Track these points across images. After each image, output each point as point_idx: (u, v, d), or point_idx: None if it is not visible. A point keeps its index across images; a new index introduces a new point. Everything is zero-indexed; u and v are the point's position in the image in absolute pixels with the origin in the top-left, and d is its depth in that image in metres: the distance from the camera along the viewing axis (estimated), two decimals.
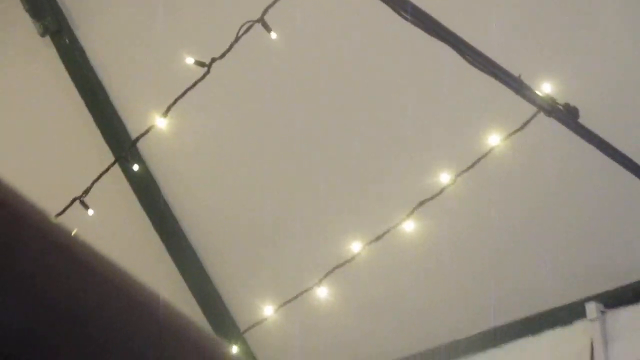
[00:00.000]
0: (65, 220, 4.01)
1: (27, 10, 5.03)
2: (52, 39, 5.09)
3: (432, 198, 4.17)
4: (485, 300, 4.75)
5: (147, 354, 0.58)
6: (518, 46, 4.06)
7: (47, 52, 5.12)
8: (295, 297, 4.62)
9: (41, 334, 0.54)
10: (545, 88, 3.63)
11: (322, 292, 4.58)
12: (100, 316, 0.57)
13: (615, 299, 4.52)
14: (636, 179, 3.77)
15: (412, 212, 4.27)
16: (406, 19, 3.31)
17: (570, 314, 4.63)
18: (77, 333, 0.56)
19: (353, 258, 4.47)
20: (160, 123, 4.12)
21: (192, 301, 5.26)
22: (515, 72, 3.50)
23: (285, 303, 4.66)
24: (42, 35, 5.07)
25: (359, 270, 4.50)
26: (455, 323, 4.91)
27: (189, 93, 3.83)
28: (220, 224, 5.34)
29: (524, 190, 4.48)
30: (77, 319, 0.56)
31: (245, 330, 5.00)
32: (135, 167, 4.97)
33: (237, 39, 3.60)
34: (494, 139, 4.01)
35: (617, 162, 3.72)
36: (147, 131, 4.19)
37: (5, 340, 0.55)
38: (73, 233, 0.59)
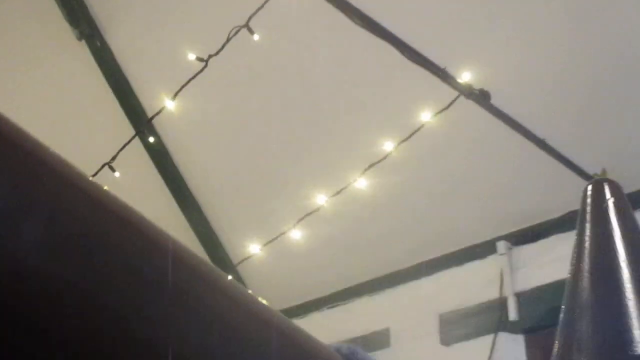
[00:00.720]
0: (97, 181, 3.95)
1: (67, 20, 4.98)
2: (87, 42, 5.07)
3: (379, 161, 4.15)
4: (420, 239, 4.85)
5: (158, 279, 0.56)
6: (445, 41, 4.01)
7: (82, 53, 5.11)
8: (276, 238, 4.60)
9: (62, 263, 0.50)
10: (465, 76, 3.59)
11: (296, 234, 4.56)
12: (113, 247, 0.54)
13: (519, 238, 4.63)
14: (534, 146, 3.75)
15: (363, 172, 4.24)
16: (358, 24, 3.29)
17: (485, 250, 4.72)
18: (95, 261, 0.53)
19: (319, 208, 4.47)
20: (170, 105, 4.07)
21: (196, 242, 5.26)
22: (442, 63, 3.49)
23: (268, 242, 4.65)
24: (79, 39, 5.06)
25: (324, 216, 4.51)
26: (398, 256, 4.99)
27: (192, 82, 3.81)
28: (217, 181, 5.34)
29: (449, 155, 4.53)
30: (92, 249, 0.53)
31: (238, 264, 5.00)
32: (151, 139, 5.01)
33: (228, 40, 3.58)
34: (426, 116, 3.98)
35: (520, 133, 3.73)
36: (159, 111, 4.17)
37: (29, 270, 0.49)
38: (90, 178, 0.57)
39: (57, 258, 0.49)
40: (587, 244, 1.21)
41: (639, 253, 1.18)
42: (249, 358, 0.56)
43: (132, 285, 0.54)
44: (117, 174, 4.26)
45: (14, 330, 0.48)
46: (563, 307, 1.16)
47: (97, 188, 0.58)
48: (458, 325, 4.69)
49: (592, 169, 3.34)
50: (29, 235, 0.47)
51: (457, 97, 3.67)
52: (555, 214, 4.42)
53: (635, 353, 1.04)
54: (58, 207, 0.51)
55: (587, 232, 1.21)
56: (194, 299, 0.58)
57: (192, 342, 0.57)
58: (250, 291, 0.67)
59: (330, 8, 3.23)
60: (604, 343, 1.07)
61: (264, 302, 0.64)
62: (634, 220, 1.23)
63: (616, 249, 1.18)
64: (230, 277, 0.67)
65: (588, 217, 1.21)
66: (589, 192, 1.25)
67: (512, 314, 4.50)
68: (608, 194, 1.23)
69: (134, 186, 4.68)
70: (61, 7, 4.97)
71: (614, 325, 1.09)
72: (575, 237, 1.22)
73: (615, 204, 1.22)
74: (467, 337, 4.62)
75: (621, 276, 1.14)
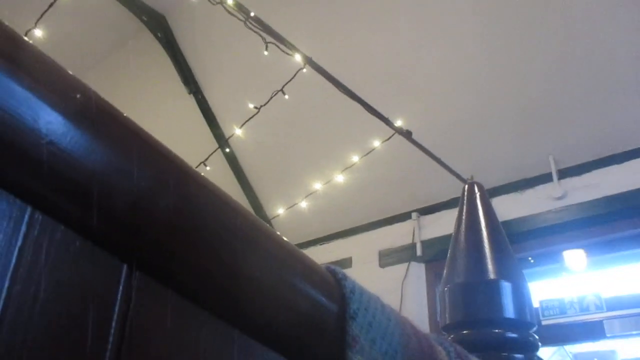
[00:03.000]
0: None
1: (182, 81, 4.94)
2: (194, 95, 5.01)
3: (350, 167, 4.23)
4: (370, 208, 4.80)
5: (233, 229, 0.48)
6: (387, 101, 3.84)
7: (190, 102, 5.05)
8: (292, 206, 4.61)
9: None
10: (398, 122, 3.56)
11: (303, 204, 4.58)
12: (210, 213, 0.46)
13: (424, 210, 4.59)
14: (434, 162, 3.68)
15: (342, 171, 4.31)
16: (341, 91, 3.22)
17: (405, 216, 4.68)
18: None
19: (315, 191, 4.51)
20: (238, 131, 4.01)
21: (249, 206, 5.19)
22: (385, 113, 3.45)
23: (288, 207, 4.61)
24: (189, 93, 5.00)
25: (318, 196, 4.48)
26: (358, 217, 4.93)
27: (251, 119, 3.80)
28: (261, 170, 5.22)
29: (391, 164, 4.44)
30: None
31: (271, 219, 4.96)
32: (227, 150, 5.00)
33: (271, 97, 3.56)
34: (377, 143, 4.03)
35: (427, 154, 3.67)
36: (231, 135, 4.19)
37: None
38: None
39: (179, 215, 0.44)
40: (463, 216, 1.18)
41: (491, 221, 1.16)
42: (277, 270, 0.53)
43: (217, 229, 0.48)
44: (208, 168, 4.26)
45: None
46: (449, 249, 1.15)
47: (198, 173, 0.50)
48: (389, 257, 4.65)
49: (467, 174, 3.35)
50: (164, 210, 0.42)
51: (393, 134, 3.63)
52: (445, 198, 4.40)
53: (489, 278, 1.02)
54: (182, 191, 0.45)
55: (465, 209, 1.19)
56: (249, 237, 0.52)
57: (249, 261, 0.51)
58: (278, 232, 0.63)
59: (326, 81, 3.20)
60: (471, 272, 1.06)
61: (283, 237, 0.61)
62: (489, 202, 1.21)
63: (480, 219, 1.15)
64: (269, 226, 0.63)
65: (465, 200, 1.19)
66: (466, 188, 1.22)
67: (419, 252, 4.48)
68: (476, 190, 1.21)
69: (216, 176, 4.59)
70: (179, 72, 4.92)
71: (477, 262, 1.07)
72: (457, 212, 1.21)
73: (480, 196, 1.20)
74: (393, 263, 4.60)
75: (482, 234, 1.12)
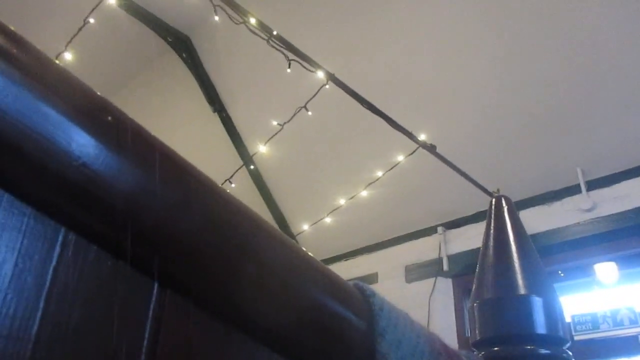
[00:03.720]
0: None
1: (207, 100, 4.99)
2: (218, 114, 5.05)
3: (374, 182, 4.22)
4: (396, 223, 4.79)
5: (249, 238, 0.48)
6: (411, 116, 3.83)
7: (215, 120, 5.09)
8: (316, 222, 4.62)
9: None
10: (422, 136, 3.52)
11: (327, 219, 4.59)
12: (232, 226, 0.46)
13: (450, 224, 4.54)
14: (459, 175, 3.61)
15: (365, 187, 4.31)
16: (364, 107, 3.20)
17: (430, 231, 4.64)
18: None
19: (340, 207, 4.49)
20: (262, 149, 4.03)
21: (273, 222, 5.21)
22: (409, 128, 3.40)
23: (312, 224, 4.63)
24: (214, 112, 5.04)
25: (342, 211, 4.49)
26: (382, 232, 4.90)
27: (274, 137, 3.84)
28: (285, 187, 5.23)
29: (413, 179, 4.40)
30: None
31: (297, 235, 4.96)
32: (252, 167, 5.03)
33: (295, 114, 3.58)
34: (400, 158, 4.02)
35: (451, 168, 3.59)
36: (256, 152, 4.21)
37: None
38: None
39: (206, 231, 0.44)
40: (491, 230, 1.17)
41: (520, 236, 1.14)
42: (303, 288, 0.52)
43: (240, 242, 0.48)
44: (233, 185, 4.29)
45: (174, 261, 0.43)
46: (478, 264, 1.13)
47: (223, 191, 0.51)
48: (415, 272, 4.61)
49: (493, 187, 3.31)
50: (188, 221, 0.42)
51: (417, 148, 3.61)
52: (470, 211, 4.35)
53: (519, 293, 1.00)
54: (204, 204, 0.46)
55: (492, 222, 1.17)
56: (270, 253, 0.52)
57: (270, 275, 0.50)
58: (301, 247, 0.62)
59: (348, 97, 3.19)
60: (501, 287, 1.04)
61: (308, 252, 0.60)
62: (517, 215, 1.19)
63: (508, 233, 1.14)
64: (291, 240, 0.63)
65: (492, 215, 1.18)
66: (493, 202, 1.21)
67: (446, 267, 4.43)
68: (504, 203, 1.19)
69: (241, 193, 4.61)
70: (203, 91, 4.96)
71: (506, 276, 1.05)
72: (485, 225, 1.19)
73: (508, 209, 1.19)
74: (420, 279, 4.55)
75: (510, 247, 1.10)
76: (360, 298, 0.65)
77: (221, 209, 0.47)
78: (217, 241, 0.45)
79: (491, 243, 1.09)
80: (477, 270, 1.11)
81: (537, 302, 0.97)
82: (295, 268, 0.54)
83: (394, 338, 0.63)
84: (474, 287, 1.10)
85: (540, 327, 0.94)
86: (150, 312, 0.40)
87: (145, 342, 0.39)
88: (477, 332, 1.00)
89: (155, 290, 0.41)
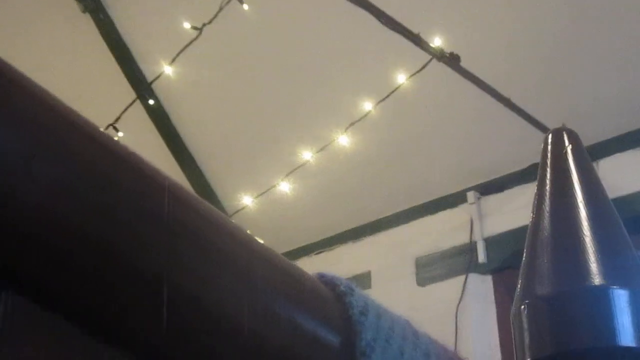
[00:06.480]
0: None
1: None
2: (91, 15, 5.02)
3: (359, 120, 4.18)
4: (398, 190, 4.83)
5: (155, 212, 0.52)
6: (418, 8, 3.94)
7: (87, 25, 5.06)
8: (266, 191, 4.67)
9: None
10: (437, 41, 3.59)
11: (285, 187, 4.59)
12: (115, 184, 0.51)
13: (487, 188, 4.60)
14: (499, 104, 3.74)
15: (345, 130, 4.27)
16: None
17: (456, 199, 4.70)
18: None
19: (305, 163, 4.50)
20: (168, 70, 4.10)
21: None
22: (415, 29, 3.46)
23: (259, 195, 4.72)
24: (84, 12, 5.01)
25: (310, 170, 4.54)
26: (378, 205, 4.99)
27: (188, 48, 3.81)
28: (212, 139, 5.32)
29: (423, 114, 4.48)
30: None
31: (232, 214, 4.89)
32: (151, 102, 5.02)
33: (220, 9, 3.57)
34: (402, 78, 4.00)
35: (487, 92, 3.71)
36: (158, 76, 4.21)
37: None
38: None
39: (65, 194, 0.46)
40: (547, 187, 1.19)
41: (595, 194, 1.16)
42: (240, 284, 0.54)
43: (131, 217, 0.50)
44: (120, 133, 4.26)
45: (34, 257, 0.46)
46: (526, 243, 1.16)
47: (101, 132, 0.56)
48: (432, 268, 4.68)
49: (552, 124, 3.34)
50: (38, 176, 0.44)
51: (430, 60, 3.64)
52: (519, 166, 4.37)
53: (592, 284, 1.03)
54: (66, 150, 0.48)
55: (548, 176, 1.19)
56: (190, 229, 0.55)
57: (186, 270, 0.54)
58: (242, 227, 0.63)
59: None
60: (563, 276, 1.07)
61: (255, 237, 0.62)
62: (590, 164, 1.21)
63: (574, 190, 1.16)
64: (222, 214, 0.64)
65: (549, 162, 1.19)
66: (549, 140, 1.22)
67: (482, 257, 4.51)
68: (567, 142, 1.21)
69: (136, 145, 4.21)
70: None
71: (571, 259, 1.08)
72: (538, 179, 1.21)
73: (573, 150, 1.21)
74: (441, 278, 4.62)
75: (579, 215, 1.12)
76: (329, 297, 0.67)
77: (90, 162, 0.49)
78: (81, 216, 0.46)
79: (546, 207, 1.11)
80: (524, 253, 1.14)
81: (622, 296, 1.00)
82: (211, 245, 0.56)
83: (385, 359, 0.65)
84: (520, 280, 1.13)
85: (626, 337, 0.97)
86: None
87: None
88: (526, 348, 1.03)
89: None
